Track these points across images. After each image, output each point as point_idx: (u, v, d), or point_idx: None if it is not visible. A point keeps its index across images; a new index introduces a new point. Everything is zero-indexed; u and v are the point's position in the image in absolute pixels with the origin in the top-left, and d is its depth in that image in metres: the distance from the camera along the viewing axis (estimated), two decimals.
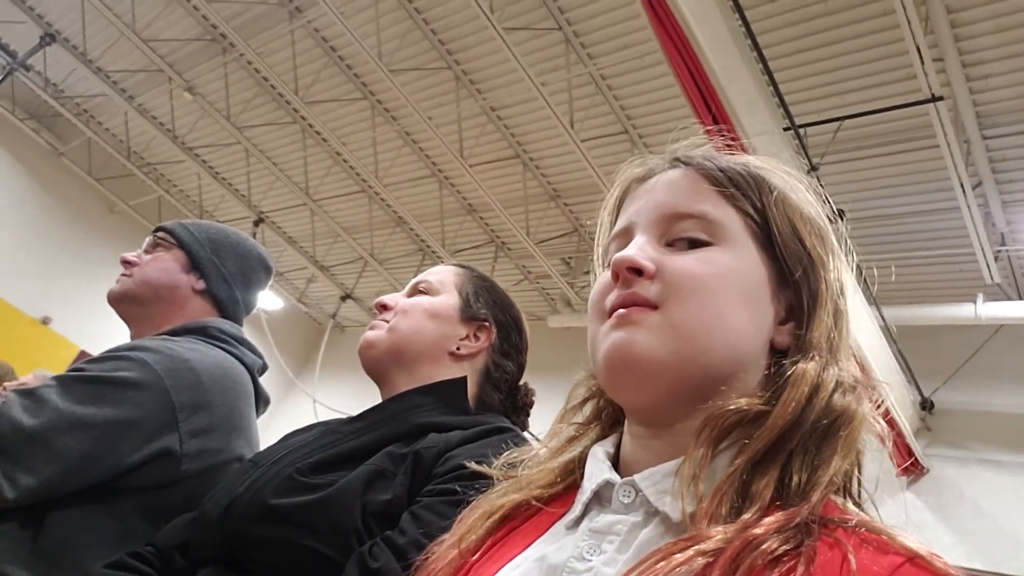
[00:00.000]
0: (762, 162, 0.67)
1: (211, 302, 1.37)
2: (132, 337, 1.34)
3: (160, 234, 1.40)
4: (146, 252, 1.38)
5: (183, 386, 1.10)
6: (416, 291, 1.16)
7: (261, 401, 1.34)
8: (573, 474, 0.65)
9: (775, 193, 0.63)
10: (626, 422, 0.63)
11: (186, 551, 0.94)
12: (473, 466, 0.78)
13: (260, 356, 1.36)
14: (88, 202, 8.01)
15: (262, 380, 1.38)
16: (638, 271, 0.59)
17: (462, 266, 1.22)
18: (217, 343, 1.27)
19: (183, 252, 1.37)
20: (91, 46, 6.37)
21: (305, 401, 7.77)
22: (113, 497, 1.06)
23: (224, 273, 1.38)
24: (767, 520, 0.47)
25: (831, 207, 0.67)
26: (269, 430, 1.28)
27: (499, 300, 1.17)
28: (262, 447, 1.12)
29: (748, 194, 0.63)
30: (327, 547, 0.81)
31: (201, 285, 1.36)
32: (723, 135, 0.73)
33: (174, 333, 1.26)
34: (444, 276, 1.17)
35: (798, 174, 0.68)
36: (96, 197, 8.06)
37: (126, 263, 1.36)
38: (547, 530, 0.60)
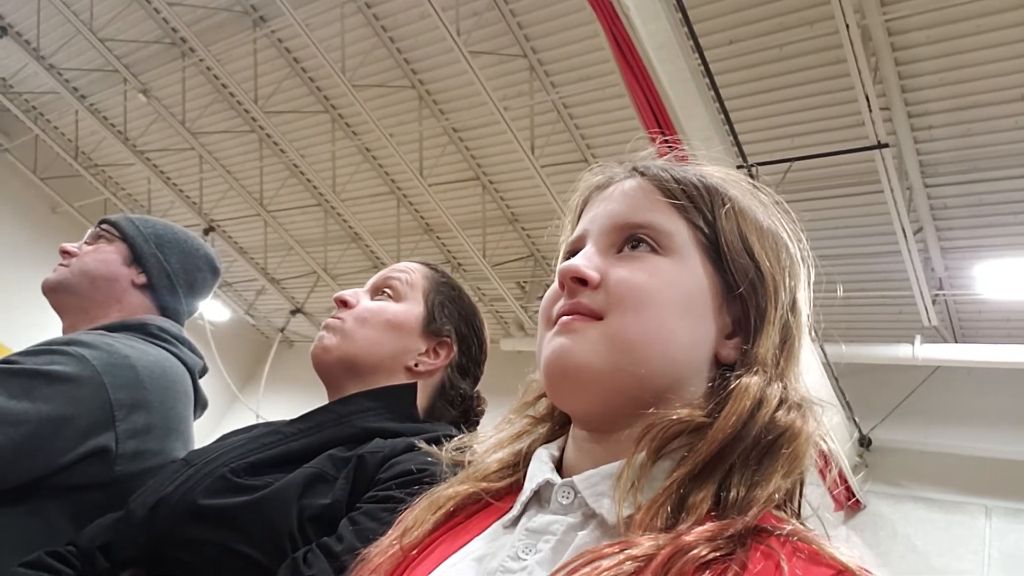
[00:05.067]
0: (724, 173, 0.67)
1: (151, 299, 1.30)
2: (64, 330, 1.27)
3: (104, 226, 1.34)
4: (87, 244, 1.32)
5: (121, 384, 1.05)
6: (380, 290, 1.10)
7: (199, 404, 1.28)
8: (518, 470, 0.64)
9: (727, 205, 0.63)
10: (571, 425, 0.63)
11: (109, 552, 0.89)
12: (423, 446, 0.75)
13: (201, 357, 1.31)
14: (31, 201, 7.74)
15: (204, 387, 1.32)
16: (583, 281, 0.59)
17: (431, 267, 1.15)
18: (157, 341, 1.21)
19: (126, 245, 1.31)
20: (45, 42, 6.21)
21: (248, 417, 7.57)
22: (39, 496, 1.00)
23: (167, 270, 1.32)
24: (699, 529, 0.47)
25: (794, 220, 0.66)
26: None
27: (464, 311, 1.13)
28: None
29: (700, 206, 0.63)
30: (258, 551, 0.78)
31: (142, 280, 1.30)
32: (672, 147, 0.73)
33: (111, 328, 1.20)
34: (413, 279, 1.10)
35: (762, 187, 0.67)
36: (40, 196, 7.79)
37: (65, 253, 1.30)
38: (488, 528, 0.60)
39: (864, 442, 5.34)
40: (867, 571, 0.46)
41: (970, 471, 4.93)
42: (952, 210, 4.59)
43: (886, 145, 3.99)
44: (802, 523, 0.56)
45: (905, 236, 4.44)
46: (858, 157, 4.30)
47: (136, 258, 1.30)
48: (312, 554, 0.75)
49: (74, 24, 5.71)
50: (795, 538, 0.48)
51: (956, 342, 5.29)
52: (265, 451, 0.90)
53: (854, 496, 5.00)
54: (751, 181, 0.68)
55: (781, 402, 0.56)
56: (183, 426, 1.17)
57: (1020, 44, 3.68)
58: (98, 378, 1.03)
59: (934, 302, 4.92)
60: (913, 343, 4.96)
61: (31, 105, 7.11)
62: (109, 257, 1.29)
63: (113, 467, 1.03)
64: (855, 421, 5.24)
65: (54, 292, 1.28)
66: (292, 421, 0.99)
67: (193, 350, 1.29)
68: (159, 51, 5.98)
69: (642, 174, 0.66)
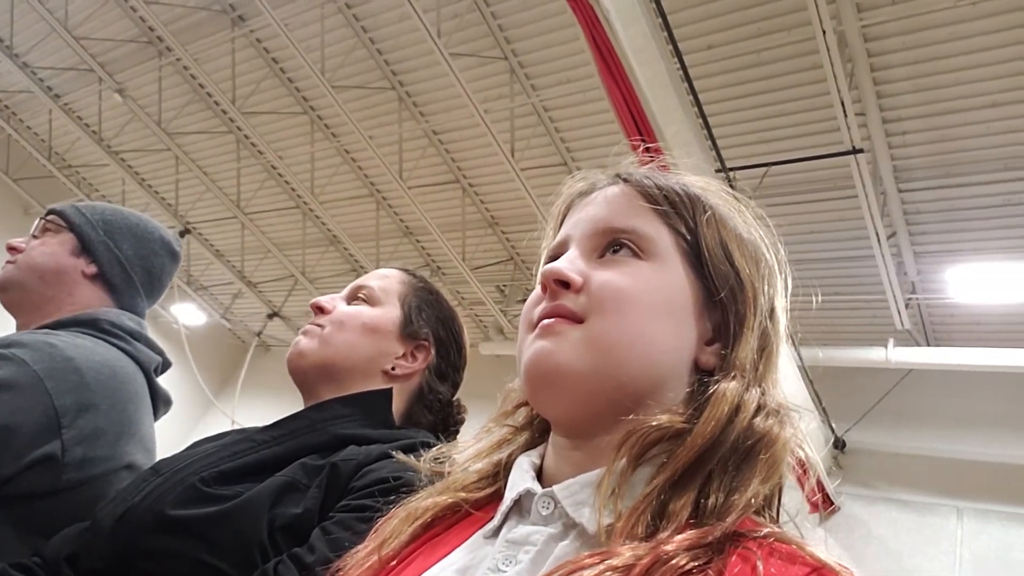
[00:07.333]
0: (704, 183, 0.67)
1: (104, 288, 1.25)
2: (18, 329, 1.21)
3: (50, 217, 1.28)
4: (35, 237, 1.26)
5: (66, 388, 1.00)
6: (356, 296, 1.08)
7: (160, 402, 1.23)
8: (499, 480, 0.63)
9: (708, 213, 0.63)
10: (551, 432, 0.62)
11: (76, 563, 0.87)
12: (400, 456, 0.74)
13: (160, 352, 1.25)
14: (2, 202, 7.61)
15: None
16: (565, 284, 0.59)
17: (408, 272, 1.14)
18: (107, 338, 1.15)
19: (73, 235, 1.25)
20: (18, 40, 6.11)
21: (223, 422, 7.50)
22: None
23: (119, 256, 1.26)
24: (679, 537, 0.47)
25: (772, 231, 0.67)
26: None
27: (442, 315, 1.11)
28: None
29: (682, 213, 0.63)
30: (227, 563, 0.76)
31: (92, 269, 1.24)
32: (652, 156, 0.73)
33: (60, 325, 1.14)
34: (389, 284, 1.09)
35: (741, 197, 0.68)
36: (11, 197, 7.67)
37: (12, 249, 1.24)
38: (468, 539, 0.59)
39: (838, 444, 5.40)
40: (846, 568, 0.46)
41: (942, 473, 5.00)
42: (925, 215, 4.66)
43: (861, 150, 4.05)
44: (780, 527, 0.56)
45: (879, 240, 4.51)
46: (833, 162, 4.35)
47: (84, 247, 1.24)
48: (283, 565, 0.74)
49: (48, 22, 5.63)
50: (772, 539, 0.48)
51: (928, 345, 5.37)
52: (236, 459, 0.88)
53: (829, 498, 5.05)
54: (731, 191, 0.68)
55: (759, 408, 0.56)
56: (136, 428, 1.12)
57: (993, 51, 3.75)
58: (40, 384, 0.98)
59: (907, 306, 4.99)
60: (886, 346, 5.03)
61: (3, 104, 6.99)
62: (55, 249, 1.23)
63: (61, 475, 0.99)
64: (829, 423, 5.30)
65: (3, 291, 1.22)
66: (264, 428, 0.97)
67: (151, 345, 1.23)
68: (135, 50, 5.90)
69: (625, 180, 0.66)
